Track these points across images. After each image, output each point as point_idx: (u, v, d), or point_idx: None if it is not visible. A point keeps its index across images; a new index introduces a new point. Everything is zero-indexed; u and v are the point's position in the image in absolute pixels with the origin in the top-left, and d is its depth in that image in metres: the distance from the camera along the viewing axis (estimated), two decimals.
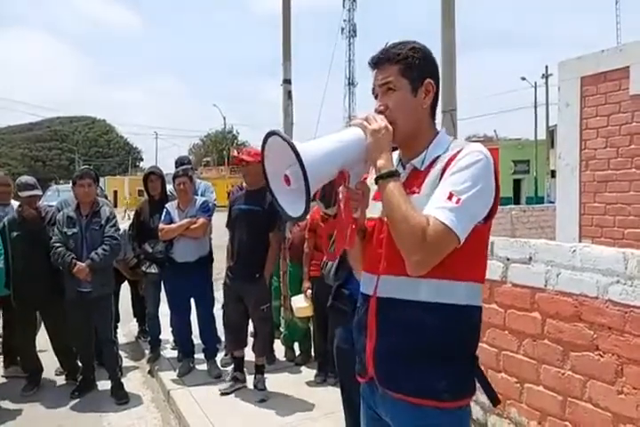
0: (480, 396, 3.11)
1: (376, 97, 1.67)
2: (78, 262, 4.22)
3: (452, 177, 1.49)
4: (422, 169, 1.60)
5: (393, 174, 1.52)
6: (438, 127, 1.73)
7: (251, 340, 4.53)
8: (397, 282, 1.57)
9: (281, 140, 1.46)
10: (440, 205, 1.45)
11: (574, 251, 2.56)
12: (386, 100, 1.62)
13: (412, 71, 1.60)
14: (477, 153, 1.52)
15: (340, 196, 1.61)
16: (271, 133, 1.49)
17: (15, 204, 4.86)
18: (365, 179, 1.65)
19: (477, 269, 1.61)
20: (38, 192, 4.65)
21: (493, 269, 2.97)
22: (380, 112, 1.62)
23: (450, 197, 1.44)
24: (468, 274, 1.56)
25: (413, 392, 1.56)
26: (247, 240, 4.20)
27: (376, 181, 1.54)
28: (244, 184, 4.49)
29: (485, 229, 1.59)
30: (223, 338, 5.02)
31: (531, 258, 2.79)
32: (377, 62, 1.64)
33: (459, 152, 1.53)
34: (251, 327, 4.52)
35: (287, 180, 1.48)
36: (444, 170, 1.52)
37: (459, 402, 1.57)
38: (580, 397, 2.49)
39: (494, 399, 1.65)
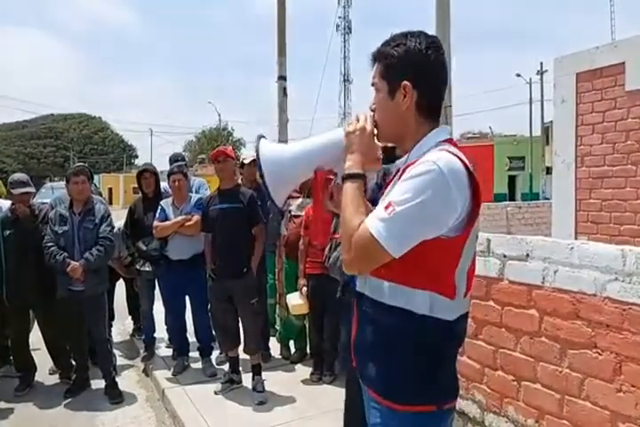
0: (476, 394, 3.10)
1: None
2: (72, 262, 4.18)
3: (398, 186, 1.44)
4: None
5: (352, 176, 1.54)
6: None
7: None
8: (368, 280, 1.60)
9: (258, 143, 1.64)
10: (376, 213, 1.43)
11: (572, 248, 2.54)
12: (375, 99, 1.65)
13: (389, 72, 1.57)
14: (429, 164, 1.40)
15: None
16: (259, 137, 1.66)
17: (4, 203, 4.81)
18: None
19: (442, 282, 1.52)
20: (31, 189, 4.59)
21: (490, 266, 2.95)
22: (372, 110, 1.64)
23: (387, 207, 1.40)
24: (426, 284, 1.50)
25: (373, 388, 1.60)
26: (231, 238, 4.19)
27: (342, 181, 1.58)
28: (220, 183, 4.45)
29: (453, 243, 1.48)
30: None
31: (528, 255, 2.77)
32: (372, 59, 1.64)
33: (420, 159, 1.47)
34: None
35: None
36: (400, 176, 1.49)
37: (414, 407, 1.54)
38: (578, 395, 2.47)
39: None
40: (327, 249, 3.87)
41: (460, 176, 1.42)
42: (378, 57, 1.60)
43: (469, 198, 1.44)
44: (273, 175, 1.58)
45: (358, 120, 1.61)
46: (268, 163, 1.58)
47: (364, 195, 1.54)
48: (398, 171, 1.59)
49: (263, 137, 1.66)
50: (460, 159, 1.45)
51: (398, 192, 1.41)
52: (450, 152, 1.46)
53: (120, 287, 5.81)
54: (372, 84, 1.62)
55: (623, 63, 5.37)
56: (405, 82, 1.53)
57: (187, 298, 4.89)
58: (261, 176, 1.59)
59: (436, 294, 1.51)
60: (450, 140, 1.57)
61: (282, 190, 1.66)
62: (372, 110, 1.63)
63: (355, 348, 1.70)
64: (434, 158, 1.42)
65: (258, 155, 1.60)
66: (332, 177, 1.70)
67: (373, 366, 1.59)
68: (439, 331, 1.54)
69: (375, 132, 1.62)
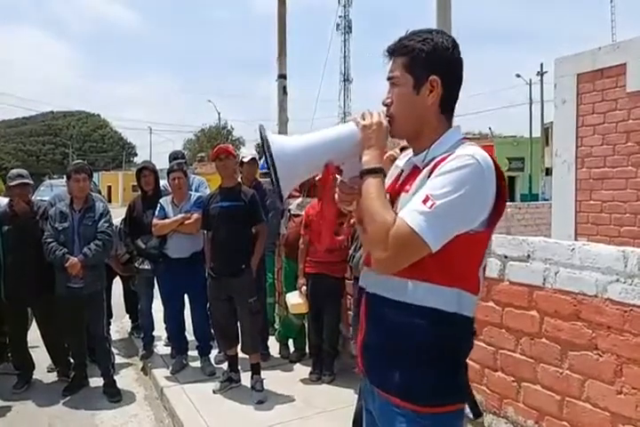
0: (476, 394, 3.10)
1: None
2: (71, 257, 4.17)
3: (434, 180, 1.43)
4: (421, 168, 1.56)
5: (374, 171, 1.50)
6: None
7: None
8: (383, 279, 1.55)
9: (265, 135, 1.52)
10: (413, 207, 1.40)
11: (573, 249, 2.54)
12: (391, 93, 1.60)
13: (416, 66, 1.54)
14: (467, 157, 1.42)
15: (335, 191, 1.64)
16: (260, 127, 1.55)
17: (3, 200, 4.79)
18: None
19: (468, 278, 1.53)
20: (28, 181, 4.57)
21: (491, 267, 2.95)
22: (386, 105, 1.60)
23: (425, 201, 1.38)
24: (456, 281, 1.50)
25: (391, 391, 1.54)
26: (232, 237, 4.17)
27: (360, 176, 1.54)
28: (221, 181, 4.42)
29: (481, 238, 1.50)
30: None
31: (529, 256, 2.77)
32: (389, 53, 1.60)
33: (451, 154, 1.47)
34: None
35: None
36: (431, 171, 1.47)
37: (437, 409, 1.52)
38: (579, 396, 2.47)
39: (475, 412, 1.62)
40: (352, 248, 3.87)
41: (491, 171, 1.45)
42: (401, 51, 1.56)
43: (495, 193, 1.46)
44: (286, 167, 1.47)
45: (371, 115, 1.57)
46: (281, 153, 1.47)
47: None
48: (416, 167, 1.58)
49: (259, 128, 1.56)
50: (489, 155, 1.47)
51: (436, 186, 1.40)
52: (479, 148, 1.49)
53: (117, 286, 5.80)
54: (390, 78, 1.58)
55: (624, 64, 5.37)
56: (434, 76, 1.53)
57: (186, 296, 4.89)
58: (273, 166, 1.47)
59: (463, 291, 1.51)
60: (465, 139, 1.58)
61: (291, 184, 1.57)
62: (386, 105, 1.60)
63: (364, 351, 1.64)
64: (470, 152, 1.44)
65: (268, 144, 1.47)
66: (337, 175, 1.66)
67: (397, 369, 1.53)
68: (465, 328, 1.56)
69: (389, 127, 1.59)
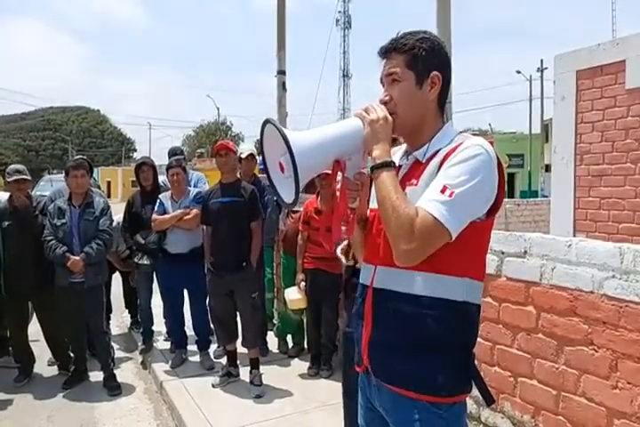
0: (472, 389, 3.12)
1: (384, 85, 1.65)
2: (72, 256, 4.19)
3: (448, 170, 1.46)
4: (424, 161, 1.58)
5: (387, 165, 1.51)
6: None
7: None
8: (393, 273, 1.55)
9: (274, 129, 1.47)
10: (432, 197, 1.43)
11: (570, 245, 2.55)
12: (391, 90, 1.61)
13: (418, 63, 1.57)
14: (477, 147, 1.48)
15: (338, 186, 1.62)
16: (266, 122, 1.52)
17: (3, 195, 4.81)
18: (364, 169, 1.63)
19: (476, 267, 1.58)
20: (27, 177, 4.58)
21: (488, 263, 2.93)
22: (384, 102, 1.61)
23: (443, 191, 1.42)
24: (466, 270, 1.53)
25: (405, 385, 1.54)
26: (232, 232, 4.19)
27: (371, 170, 1.54)
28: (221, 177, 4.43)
29: (486, 226, 1.56)
30: None
31: (526, 252, 2.78)
32: (385, 52, 1.63)
33: (459, 145, 1.50)
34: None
35: (281, 167, 1.50)
36: (441, 163, 1.50)
37: (454, 398, 1.55)
38: (574, 391, 2.48)
39: (488, 399, 1.62)
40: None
41: (496, 161, 1.51)
42: (400, 49, 1.59)
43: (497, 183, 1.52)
44: (305, 165, 1.42)
45: (375, 109, 1.57)
46: (301, 151, 1.41)
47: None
48: (417, 162, 1.60)
49: (270, 122, 1.50)
50: None
51: (452, 175, 1.44)
52: None
53: (117, 281, 5.82)
54: (390, 74, 1.60)
55: (624, 61, 5.36)
56: (436, 72, 1.59)
57: (185, 291, 4.90)
58: (293, 165, 1.40)
59: (471, 280, 1.54)
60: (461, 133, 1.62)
61: (305, 182, 1.52)
62: (385, 102, 1.60)
63: (371, 348, 1.62)
64: (479, 142, 1.50)
65: (287, 142, 1.40)
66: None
67: (411, 362, 1.53)
68: (475, 316, 1.59)
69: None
